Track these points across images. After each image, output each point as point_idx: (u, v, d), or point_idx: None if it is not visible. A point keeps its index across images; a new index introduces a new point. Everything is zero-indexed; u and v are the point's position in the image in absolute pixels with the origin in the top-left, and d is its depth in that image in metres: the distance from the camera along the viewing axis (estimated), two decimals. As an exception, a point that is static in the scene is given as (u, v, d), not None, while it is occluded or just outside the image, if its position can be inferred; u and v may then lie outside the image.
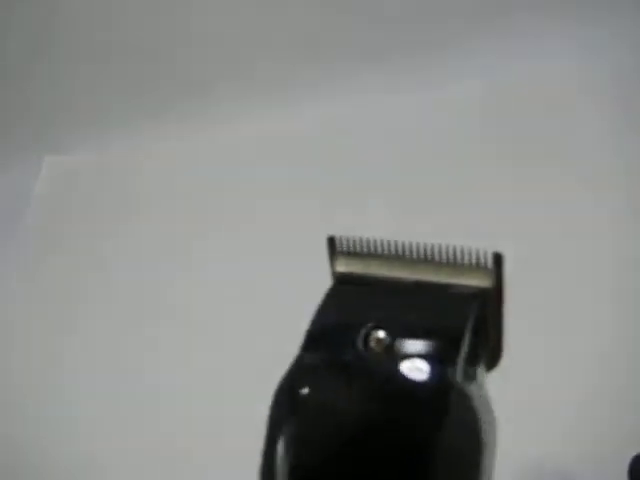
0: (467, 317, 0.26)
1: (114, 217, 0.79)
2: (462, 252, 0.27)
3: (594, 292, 0.59)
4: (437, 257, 0.27)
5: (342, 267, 0.28)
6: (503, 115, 0.73)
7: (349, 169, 0.73)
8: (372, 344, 0.25)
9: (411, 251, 0.27)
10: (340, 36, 0.80)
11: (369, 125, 0.77)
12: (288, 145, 0.78)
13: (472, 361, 0.26)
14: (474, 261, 0.27)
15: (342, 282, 0.28)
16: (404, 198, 0.70)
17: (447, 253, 0.27)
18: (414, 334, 0.25)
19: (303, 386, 0.24)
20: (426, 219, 0.64)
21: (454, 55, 0.77)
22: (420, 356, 0.24)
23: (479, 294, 0.26)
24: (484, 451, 0.24)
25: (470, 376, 0.25)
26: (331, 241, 0.28)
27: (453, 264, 0.27)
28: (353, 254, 0.28)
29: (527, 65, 0.74)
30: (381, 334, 0.25)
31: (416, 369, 0.24)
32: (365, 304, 0.27)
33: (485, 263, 0.27)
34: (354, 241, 0.28)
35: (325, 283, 0.28)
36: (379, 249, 0.28)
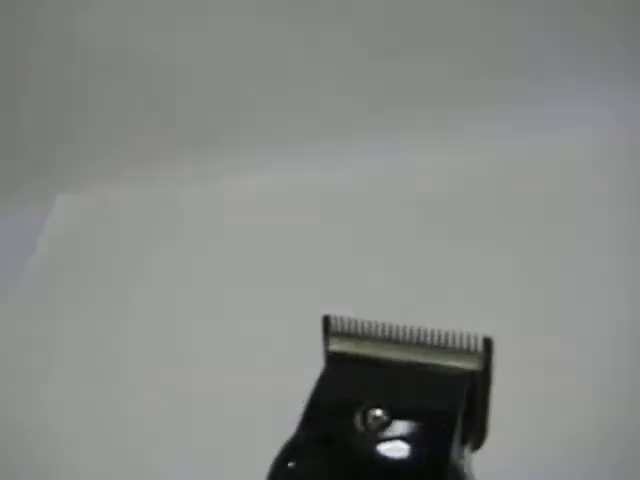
0: (459, 398, 0.27)
1: (127, 258, 0.79)
2: (453, 336, 0.28)
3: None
4: (429, 340, 0.28)
5: (336, 346, 0.29)
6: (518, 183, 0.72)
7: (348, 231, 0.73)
8: (370, 422, 0.26)
9: (403, 333, 0.28)
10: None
11: (373, 186, 0.77)
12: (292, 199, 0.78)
13: (462, 441, 0.27)
14: (465, 345, 0.28)
15: (335, 361, 0.29)
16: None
17: (438, 336, 0.28)
18: (410, 413, 0.26)
19: (294, 461, 0.25)
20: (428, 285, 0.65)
21: (472, 119, 0.77)
22: (417, 435, 0.25)
23: (469, 376, 0.28)
24: None
25: (461, 456, 0.26)
26: (326, 320, 0.29)
27: (444, 347, 0.28)
28: (347, 334, 0.29)
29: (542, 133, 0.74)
30: (378, 412, 0.26)
31: (414, 448, 0.25)
32: (361, 383, 0.28)
33: (475, 347, 0.28)
34: (348, 321, 0.29)
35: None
36: (372, 330, 0.29)
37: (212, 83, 0.83)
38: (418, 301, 0.63)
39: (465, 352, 0.28)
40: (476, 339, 0.27)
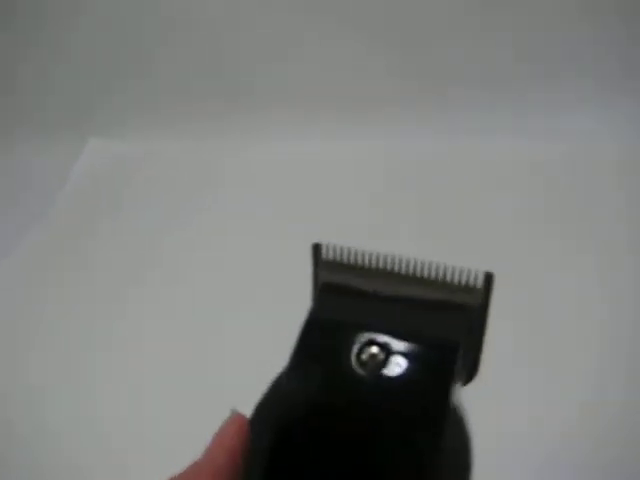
0: (460, 336, 0.25)
1: (151, 208, 0.78)
2: (453, 270, 0.26)
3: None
4: (427, 273, 0.26)
5: (327, 276, 0.26)
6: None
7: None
8: (366, 360, 0.23)
9: (401, 265, 0.26)
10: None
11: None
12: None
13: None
14: (464, 280, 0.26)
15: (326, 293, 0.26)
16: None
17: (437, 270, 0.26)
18: (409, 351, 0.24)
19: (290, 412, 0.23)
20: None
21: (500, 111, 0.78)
22: (416, 375, 0.23)
23: (468, 312, 0.26)
24: (471, 471, 0.24)
25: (455, 393, 0.25)
26: (316, 248, 0.26)
27: (443, 281, 0.26)
28: (339, 264, 0.26)
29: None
30: (375, 350, 0.24)
31: (413, 390, 0.23)
32: (354, 318, 0.25)
33: (475, 282, 0.26)
34: (341, 250, 0.26)
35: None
36: (367, 260, 0.26)
37: (249, 48, 0.83)
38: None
39: (465, 287, 0.26)
40: (476, 274, 0.25)
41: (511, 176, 0.74)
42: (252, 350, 0.59)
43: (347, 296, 0.26)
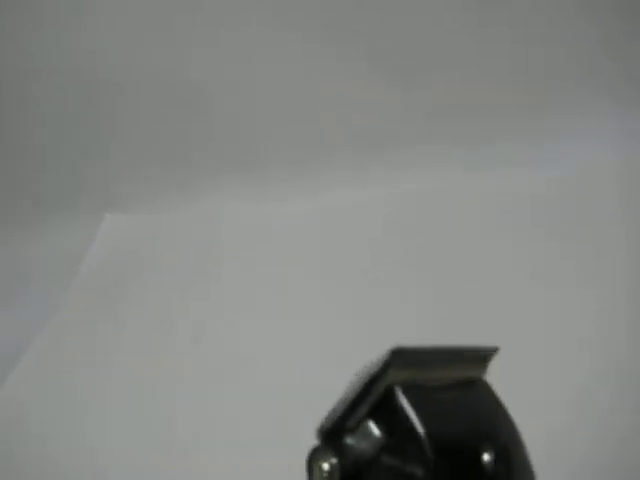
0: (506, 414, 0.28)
1: (175, 281, 0.78)
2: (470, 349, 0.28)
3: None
4: (463, 356, 0.28)
5: (398, 376, 0.26)
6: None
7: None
8: (486, 466, 0.25)
9: (443, 354, 0.28)
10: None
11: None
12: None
13: None
14: (479, 356, 0.28)
15: (410, 394, 0.26)
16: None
17: (460, 351, 0.28)
18: (506, 452, 0.26)
19: None
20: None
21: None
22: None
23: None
24: None
25: None
26: (393, 354, 0.26)
27: (471, 359, 0.28)
28: (407, 365, 0.27)
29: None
30: (488, 457, 0.25)
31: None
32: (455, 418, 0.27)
33: (485, 356, 0.28)
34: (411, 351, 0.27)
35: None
36: (430, 356, 0.28)
37: (249, 105, 0.84)
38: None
39: (478, 362, 0.28)
40: (486, 349, 0.28)
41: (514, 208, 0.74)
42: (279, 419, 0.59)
43: (424, 396, 0.27)
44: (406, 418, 0.25)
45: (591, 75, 0.76)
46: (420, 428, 0.25)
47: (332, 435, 0.27)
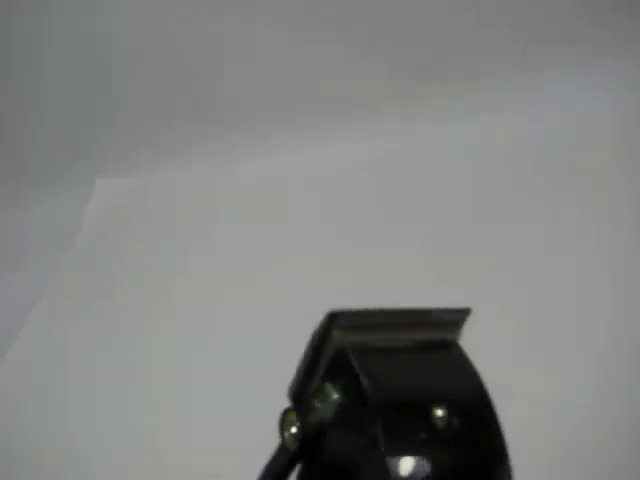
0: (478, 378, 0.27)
1: (167, 242, 0.79)
2: (437, 311, 0.28)
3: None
4: (420, 318, 0.28)
5: (344, 338, 0.27)
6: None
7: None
8: (437, 422, 0.25)
9: (399, 314, 0.28)
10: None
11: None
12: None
13: None
14: (449, 318, 0.29)
15: (358, 355, 0.27)
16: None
17: (426, 314, 0.28)
18: (463, 410, 0.26)
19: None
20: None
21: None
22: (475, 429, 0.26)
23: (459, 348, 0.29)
24: None
25: None
26: (332, 317, 0.27)
27: (432, 322, 0.28)
28: (355, 326, 0.27)
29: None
30: (443, 412, 0.25)
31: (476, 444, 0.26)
32: (401, 377, 0.27)
33: (457, 318, 0.29)
34: (355, 313, 0.28)
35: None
36: (377, 318, 0.28)
37: (237, 69, 0.84)
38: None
39: (446, 324, 0.28)
40: (458, 311, 0.28)
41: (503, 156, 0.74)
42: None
43: (380, 357, 0.27)
44: (355, 377, 0.26)
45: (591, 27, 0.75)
46: (367, 385, 0.26)
47: (298, 397, 0.29)
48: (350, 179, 0.78)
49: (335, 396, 0.27)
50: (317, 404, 0.27)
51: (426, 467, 0.24)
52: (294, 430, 0.28)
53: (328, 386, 0.27)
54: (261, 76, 0.83)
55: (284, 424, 0.28)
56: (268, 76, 0.83)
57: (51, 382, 0.69)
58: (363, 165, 0.79)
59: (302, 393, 0.29)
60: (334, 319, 0.27)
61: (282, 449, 0.28)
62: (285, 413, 0.28)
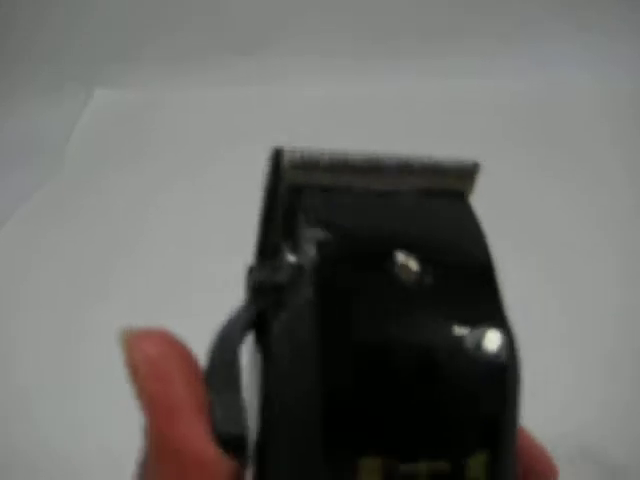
0: (479, 229, 0.20)
1: (158, 156, 0.76)
2: (436, 160, 0.22)
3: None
4: (410, 164, 0.21)
5: (296, 177, 0.21)
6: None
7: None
8: (399, 273, 0.19)
9: (380, 160, 0.21)
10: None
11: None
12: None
13: None
14: (452, 167, 0.21)
15: (305, 197, 0.21)
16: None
17: (418, 161, 0.21)
18: (443, 262, 0.19)
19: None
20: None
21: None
22: (459, 284, 0.19)
23: (464, 199, 0.21)
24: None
25: None
26: (277, 153, 0.21)
27: (428, 170, 0.21)
28: (307, 165, 0.21)
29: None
30: (411, 262, 0.19)
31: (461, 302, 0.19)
32: (362, 225, 0.20)
33: (463, 169, 0.22)
34: (307, 152, 0.21)
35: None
36: (337, 159, 0.21)
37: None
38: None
39: (454, 174, 0.21)
40: (463, 162, 0.21)
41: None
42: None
43: (340, 199, 0.21)
44: (299, 219, 0.20)
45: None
46: (303, 221, 0.20)
47: (262, 253, 0.24)
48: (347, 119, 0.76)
49: (290, 258, 0.20)
50: (274, 266, 0.21)
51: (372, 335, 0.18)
52: (253, 286, 0.22)
53: (283, 245, 0.21)
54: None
55: (246, 281, 0.23)
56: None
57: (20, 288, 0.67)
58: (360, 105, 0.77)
59: (264, 248, 0.24)
60: (282, 154, 0.21)
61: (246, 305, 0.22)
62: (247, 270, 0.23)
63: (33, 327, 0.63)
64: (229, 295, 0.60)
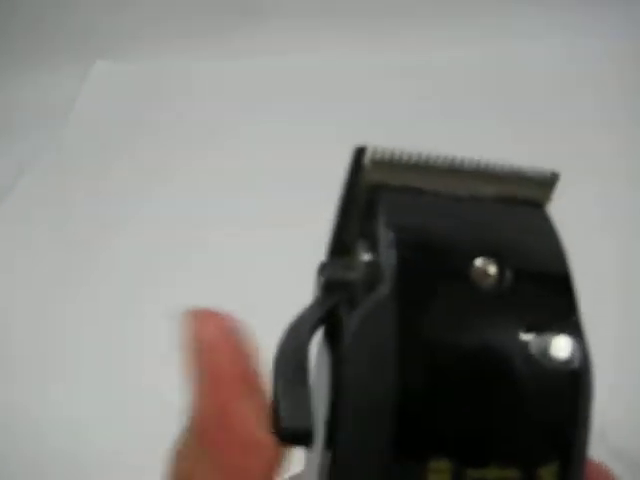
0: (556, 238, 0.20)
1: (156, 131, 0.76)
2: (513, 167, 0.21)
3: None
4: (491, 169, 0.21)
5: (377, 176, 0.21)
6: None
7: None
8: (478, 278, 0.19)
9: (462, 163, 0.21)
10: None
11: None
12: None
13: None
14: (530, 175, 0.21)
15: (386, 197, 0.21)
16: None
17: (499, 167, 0.21)
18: (521, 270, 0.19)
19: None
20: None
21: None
22: (539, 292, 0.19)
23: (541, 209, 0.21)
24: None
25: None
26: (359, 151, 0.21)
27: (509, 177, 0.21)
28: (390, 164, 0.21)
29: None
30: (490, 267, 0.19)
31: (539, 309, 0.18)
32: (444, 227, 0.20)
33: (540, 176, 0.22)
34: (391, 151, 0.21)
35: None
36: (422, 160, 0.21)
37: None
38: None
39: (533, 183, 0.21)
40: (539, 170, 0.21)
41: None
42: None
43: (420, 200, 0.21)
44: (378, 220, 0.20)
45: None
46: (384, 225, 0.20)
47: (335, 250, 0.23)
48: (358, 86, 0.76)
49: (366, 257, 0.21)
50: (347, 264, 0.22)
51: (448, 337, 0.18)
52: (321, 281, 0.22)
53: (359, 244, 0.21)
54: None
55: (316, 281, 0.23)
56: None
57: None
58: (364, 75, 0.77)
59: (336, 247, 0.23)
60: (364, 152, 0.21)
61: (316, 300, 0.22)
62: (321, 266, 0.23)
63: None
64: (230, 272, 0.60)
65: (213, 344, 0.20)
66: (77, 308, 0.62)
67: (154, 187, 0.70)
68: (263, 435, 0.19)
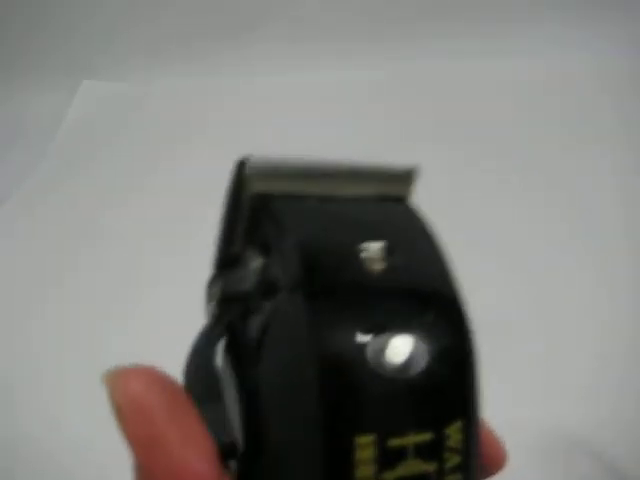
0: (425, 225, 0.22)
1: (144, 148, 0.77)
2: (377, 166, 0.24)
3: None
4: (360, 170, 0.23)
5: (260, 185, 0.22)
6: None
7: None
8: (368, 264, 0.20)
9: (334, 167, 0.23)
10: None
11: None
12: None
13: None
14: (392, 173, 0.24)
15: (262, 204, 0.22)
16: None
17: (364, 167, 0.23)
18: (403, 247, 0.21)
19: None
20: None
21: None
22: (421, 271, 0.21)
23: (406, 201, 0.24)
24: None
25: None
26: (241, 164, 0.22)
27: (374, 177, 0.23)
28: (269, 174, 0.22)
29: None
30: (377, 248, 0.20)
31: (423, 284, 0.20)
32: (330, 222, 0.22)
33: (404, 174, 0.24)
34: (266, 161, 0.22)
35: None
36: (294, 167, 0.23)
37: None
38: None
39: (394, 179, 0.23)
40: (401, 167, 0.24)
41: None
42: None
43: (303, 204, 0.22)
44: (275, 224, 0.21)
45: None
46: (274, 231, 0.21)
47: (221, 264, 0.25)
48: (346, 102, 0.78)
49: (256, 262, 0.22)
50: (238, 275, 0.23)
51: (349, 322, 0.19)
52: (215, 293, 0.24)
53: (249, 249, 0.23)
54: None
55: (207, 295, 0.24)
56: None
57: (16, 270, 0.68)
58: (360, 90, 0.79)
59: (224, 259, 0.24)
60: (245, 164, 0.22)
61: (211, 322, 0.24)
62: (209, 283, 0.24)
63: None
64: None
65: (126, 407, 0.19)
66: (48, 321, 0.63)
67: (137, 200, 0.72)
68: (210, 469, 0.19)
